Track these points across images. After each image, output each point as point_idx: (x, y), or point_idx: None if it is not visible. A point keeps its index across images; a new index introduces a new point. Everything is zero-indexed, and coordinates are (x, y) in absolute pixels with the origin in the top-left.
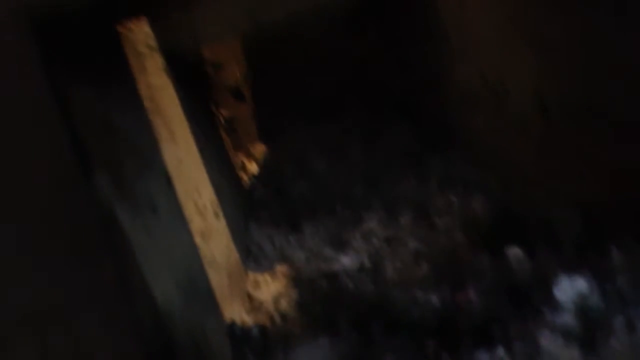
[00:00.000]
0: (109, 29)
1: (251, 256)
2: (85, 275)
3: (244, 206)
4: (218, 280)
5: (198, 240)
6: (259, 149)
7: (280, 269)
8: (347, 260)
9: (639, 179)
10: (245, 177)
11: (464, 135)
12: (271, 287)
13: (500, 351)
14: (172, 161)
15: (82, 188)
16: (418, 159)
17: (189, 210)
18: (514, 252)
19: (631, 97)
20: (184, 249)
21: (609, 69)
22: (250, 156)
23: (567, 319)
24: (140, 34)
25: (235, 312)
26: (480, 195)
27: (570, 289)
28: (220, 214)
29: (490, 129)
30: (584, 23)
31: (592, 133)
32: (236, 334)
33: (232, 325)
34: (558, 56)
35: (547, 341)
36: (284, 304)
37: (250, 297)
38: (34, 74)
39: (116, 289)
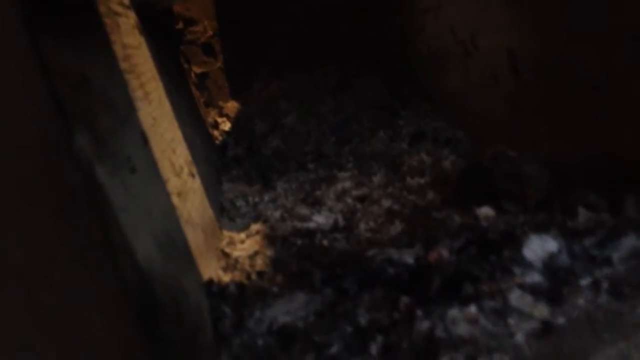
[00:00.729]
0: None
1: (225, 214)
2: (69, 232)
3: (217, 164)
4: (194, 238)
5: (175, 199)
6: (231, 106)
7: (255, 227)
8: (321, 219)
9: (608, 139)
10: (217, 134)
11: (435, 90)
12: (246, 245)
13: (472, 308)
14: (147, 120)
15: (62, 145)
16: (389, 113)
17: (166, 170)
18: (484, 211)
19: (603, 57)
20: (162, 207)
21: (583, 28)
22: (222, 114)
23: (536, 277)
24: None
25: (211, 269)
26: (450, 153)
27: (539, 248)
28: (195, 174)
29: (461, 85)
30: None
31: (563, 92)
32: (213, 291)
33: (209, 282)
34: (531, 14)
35: (517, 298)
36: (259, 261)
37: (225, 255)
38: (12, 27)
39: (99, 245)
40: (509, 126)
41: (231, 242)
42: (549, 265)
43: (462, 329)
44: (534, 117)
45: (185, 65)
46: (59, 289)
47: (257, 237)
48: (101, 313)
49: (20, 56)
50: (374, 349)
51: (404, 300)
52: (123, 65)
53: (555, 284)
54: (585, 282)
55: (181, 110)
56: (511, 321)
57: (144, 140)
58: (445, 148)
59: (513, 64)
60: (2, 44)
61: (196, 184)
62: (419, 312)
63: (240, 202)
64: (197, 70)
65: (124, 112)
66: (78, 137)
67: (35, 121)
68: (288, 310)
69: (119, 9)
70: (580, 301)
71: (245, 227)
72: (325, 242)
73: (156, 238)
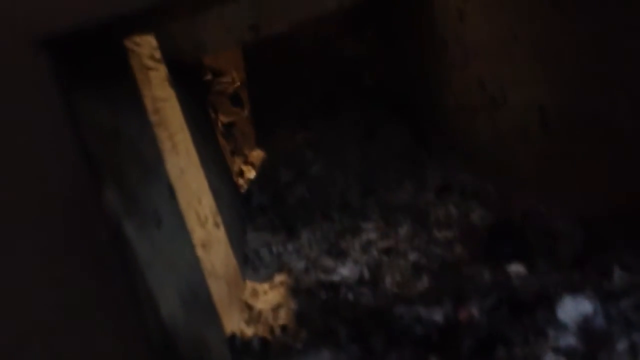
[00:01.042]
0: (118, 45)
1: (249, 264)
2: (97, 289)
3: (241, 213)
4: (218, 290)
5: (199, 251)
6: (257, 155)
7: (279, 278)
8: (345, 271)
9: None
10: (242, 183)
11: (463, 142)
12: (269, 297)
13: None
14: (174, 172)
15: (92, 201)
16: (415, 164)
17: (191, 222)
18: (516, 268)
19: (635, 109)
20: (187, 260)
21: (613, 80)
22: (247, 162)
23: (571, 340)
24: (147, 48)
25: (234, 322)
26: (478, 207)
27: (573, 310)
28: (220, 223)
29: (489, 137)
30: (587, 33)
31: (594, 145)
32: (236, 346)
33: (233, 336)
34: (560, 66)
35: None
36: (282, 314)
37: (249, 307)
38: (46, 89)
39: (126, 302)
40: (540, 181)
41: (254, 293)
42: (584, 328)
43: None
44: (564, 172)
45: (213, 115)
46: (83, 345)
47: (281, 289)
48: None
49: (54, 114)
50: None
51: (433, 359)
52: (153, 118)
53: (591, 348)
54: (622, 346)
55: (207, 159)
56: None
57: (171, 193)
58: (473, 200)
59: (543, 118)
60: (36, 106)
61: (220, 233)
62: None
63: (264, 252)
64: (224, 119)
65: (152, 164)
66: (107, 192)
67: (66, 178)
68: None
69: (151, 63)
70: None
71: (268, 278)
72: (350, 296)
73: (180, 292)
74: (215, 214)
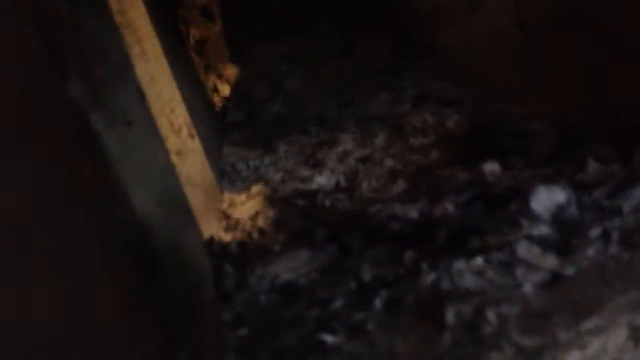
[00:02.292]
0: None
1: (226, 177)
2: (66, 180)
3: (217, 128)
4: (195, 198)
5: (174, 157)
6: (231, 71)
7: (256, 188)
8: (322, 180)
9: (619, 89)
10: (217, 100)
11: (438, 50)
12: (247, 207)
13: (478, 260)
14: (144, 78)
15: (57, 93)
16: (392, 75)
17: (164, 128)
18: (490, 167)
19: (617, 5)
20: (161, 164)
21: None
22: (221, 78)
23: (544, 229)
24: None
25: (212, 229)
26: (454, 113)
27: (547, 200)
28: (195, 135)
29: (465, 44)
30: None
31: (572, 44)
32: (215, 249)
33: (211, 240)
34: None
35: (524, 250)
36: (260, 221)
37: (226, 216)
38: None
39: (97, 194)
40: (515, 83)
41: (232, 204)
42: (558, 217)
43: (469, 281)
44: (540, 72)
45: (184, 29)
46: (54, 234)
47: (258, 199)
48: (97, 258)
49: (19, 18)
50: (378, 303)
51: (409, 254)
52: (118, 19)
53: (564, 236)
54: (594, 233)
55: (180, 72)
56: (519, 273)
57: (141, 96)
58: (449, 108)
59: (520, 18)
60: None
61: (196, 144)
62: (424, 266)
63: (241, 166)
64: (195, 34)
65: (120, 65)
66: (72, 84)
67: (28, 64)
68: (290, 267)
69: None
70: (590, 252)
71: (246, 189)
72: (327, 203)
73: (155, 193)
74: (189, 125)
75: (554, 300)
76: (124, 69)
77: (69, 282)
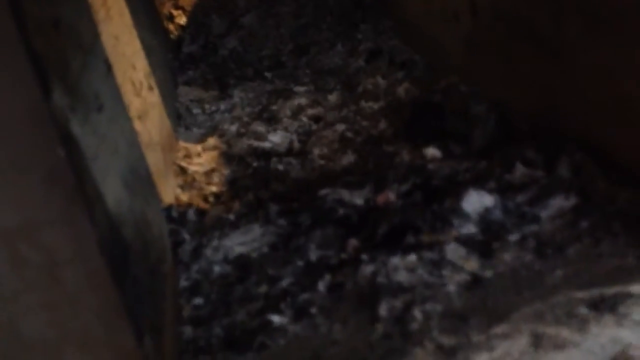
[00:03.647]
0: None
1: (181, 122)
2: (52, 195)
3: (172, 64)
4: (155, 161)
5: (137, 124)
6: None
7: (211, 141)
8: (276, 139)
9: (553, 94)
10: (172, 29)
11: (397, 10)
12: (203, 159)
13: (412, 257)
14: (110, 43)
15: (41, 106)
16: (349, 26)
17: (128, 94)
18: (432, 152)
19: (558, 21)
20: (126, 138)
21: None
22: (177, 6)
23: (472, 229)
24: None
25: (170, 189)
26: (405, 79)
27: (477, 202)
28: (154, 85)
29: (422, 13)
30: None
31: (516, 42)
32: (173, 217)
33: (169, 208)
34: None
35: (452, 251)
36: (215, 179)
37: (182, 170)
38: None
39: (77, 202)
40: (464, 61)
41: (187, 155)
42: (484, 219)
43: (402, 277)
44: (487, 59)
45: None
46: (42, 247)
47: (214, 153)
48: (79, 265)
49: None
50: (321, 286)
51: (352, 242)
52: None
53: (487, 238)
54: (514, 237)
55: (138, 12)
56: (445, 272)
57: (108, 67)
58: (400, 71)
59: (473, 8)
60: None
61: (154, 96)
62: (364, 257)
63: (196, 110)
64: None
65: (90, 42)
66: (55, 94)
67: (18, 89)
68: (244, 241)
69: None
70: (507, 257)
71: (201, 139)
72: (280, 167)
73: (123, 176)
74: (148, 75)
75: (472, 303)
76: (93, 44)
77: (54, 288)
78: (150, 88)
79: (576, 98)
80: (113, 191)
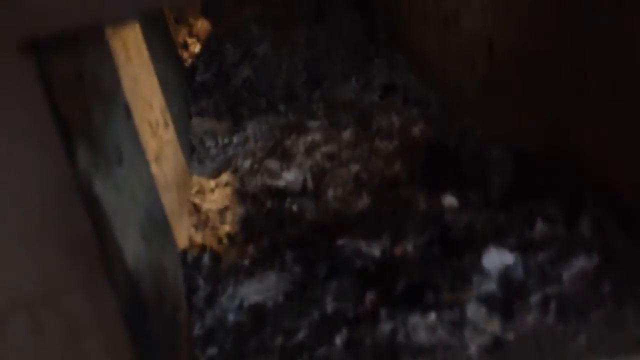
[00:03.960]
0: None
1: (195, 156)
2: (72, 260)
3: (186, 93)
4: (170, 202)
5: (153, 167)
6: (202, 27)
7: (225, 176)
8: (290, 177)
9: (571, 144)
10: (187, 56)
11: (411, 48)
12: (216, 196)
13: (432, 317)
14: (129, 85)
15: (66, 171)
16: (363, 58)
17: (145, 136)
18: (449, 201)
19: (575, 57)
20: (144, 185)
21: (560, 25)
22: (192, 34)
23: (492, 288)
24: None
25: (183, 228)
26: (420, 118)
27: (497, 259)
28: (169, 121)
29: (438, 53)
30: None
31: (535, 86)
32: (188, 261)
33: (184, 252)
34: (511, 9)
35: (473, 311)
36: (229, 218)
37: (196, 207)
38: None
39: (99, 267)
40: (480, 103)
41: (201, 191)
42: (505, 277)
43: (422, 337)
44: (504, 102)
45: None
46: (63, 315)
47: (227, 190)
48: (99, 332)
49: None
50: (339, 340)
51: (370, 296)
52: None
53: (509, 298)
54: (535, 298)
55: (155, 44)
56: (466, 334)
57: (128, 114)
58: (415, 108)
59: (490, 51)
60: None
61: (170, 133)
62: (383, 312)
63: (209, 142)
64: None
65: (112, 90)
66: (79, 156)
67: (43, 156)
68: (259, 289)
69: None
70: (529, 319)
71: (215, 174)
72: (294, 208)
73: (141, 226)
74: (164, 111)
75: None
76: (115, 93)
77: (75, 357)
78: (166, 124)
79: (599, 150)
80: (132, 246)
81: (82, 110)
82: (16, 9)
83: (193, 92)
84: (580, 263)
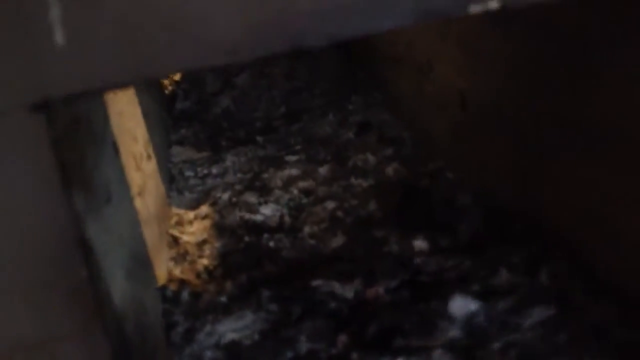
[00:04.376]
0: None
1: (174, 186)
2: (69, 308)
3: (167, 122)
4: (151, 237)
5: (137, 202)
6: None
7: (204, 208)
8: (268, 212)
9: (531, 197)
10: (167, 84)
11: (389, 86)
12: (194, 229)
13: None
14: (115, 121)
15: (64, 216)
16: (340, 95)
17: (130, 171)
18: (420, 244)
19: (538, 121)
20: (129, 222)
21: (531, 87)
22: None
23: (457, 334)
24: None
25: (163, 263)
26: (394, 159)
27: (462, 306)
28: (152, 153)
29: (413, 93)
30: (514, 45)
31: (501, 140)
32: (167, 297)
33: (164, 287)
34: (484, 66)
35: (439, 358)
36: (207, 251)
37: (175, 240)
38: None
39: (93, 314)
40: (451, 148)
41: (179, 222)
42: (469, 323)
43: None
44: (475, 150)
45: None
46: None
47: (205, 222)
48: None
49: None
50: None
51: (342, 338)
52: None
53: (472, 344)
54: (496, 345)
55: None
56: None
57: (116, 151)
58: (389, 147)
59: (462, 102)
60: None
61: (152, 165)
62: (354, 355)
63: (188, 172)
64: None
65: (101, 129)
66: (75, 199)
67: (43, 201)
68: (236, 327)
69: None
70: None
71: (193, 206)
72: (271, 244)
73: (126, 266)
74: (147, 143)
75: None
76: (104, 131)
77: None
78: (149, 157)
79: (559, 205)
80: (119, 287)
81: (78, 153)
82: (32, 73)
83: (173, 119)
84: (539, 312)
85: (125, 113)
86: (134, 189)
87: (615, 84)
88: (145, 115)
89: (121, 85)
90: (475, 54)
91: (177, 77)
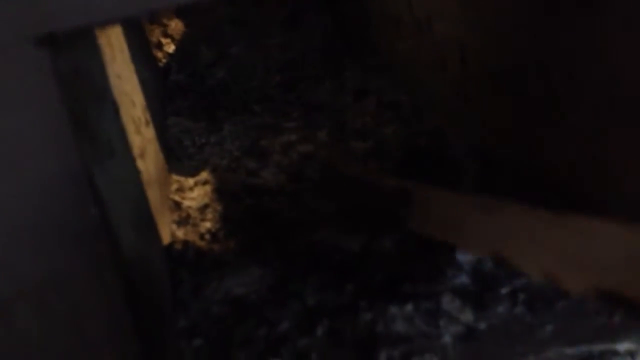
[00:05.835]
0: None
1: (172, 154)
2: (81, 251)
3: (162, 93)
4: (154, 198)
5: (139, 163)
6: (176, 27)
7: (203, 175)
8: (267, 175)
9: (535, 147)
10: (161, 56)
11: (384, 51)
12: (195, 194)
13: (409, 307)
14: (115, 83)
15: (75, 160)
16: (336, 62)
17: (130, 133)
18: None
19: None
20: (132, 180)
21: (532, 42)
22: (166, 34)
23: (465, 281)
24: None
25: (166, 224)
26: (393, 121)
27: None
28: (149, 119)
29: (411, 56)
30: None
31: (501, 95)
32: (173, 256)
33: (170, 246)
34: (484, 18)
35: (447, 302)
36: (209, 215)
37: (177, 205)
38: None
39: (101, 254)
40: (450, 106)
41: (180, 189)
42: (477, 270)
43: (400, 327)
44: (474, 106)
45: None
46: (69, 299)
47: (206, 187)
48: (101, 315)
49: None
50: (320, 331)
51: (349, 287)
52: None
53: (480, 290)
54: (505, 290)
55: (134, 43)
56: (441, 323)
57: (116, 110)
58: (388, 111)
59: (461, 56)
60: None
61: (150, 131)
62: (362, 303)
63: (186, 141)
64: None
65: (102, 87)
66: (83, 148)
67: (53, 147)
68: (243, 282)
69: None
70: (500, 309)
71: (193, 173)
72: (273, 205)
73: (132, 220)
74: (145, 110)
75: (467, 355)
76: (104, 89)
77: (79, 340)
78: (147, 123)
79: (560, 156)
80: (127, 238)
81: (81, 104)
82: (36, 6)
83: (168, 91)
84: None
85: (123, 77)
86: (135, 150)
87: (624, 39)
88: (142, 82)
89: (123, 18)
90: (476, 7)
91: (171, 49)
